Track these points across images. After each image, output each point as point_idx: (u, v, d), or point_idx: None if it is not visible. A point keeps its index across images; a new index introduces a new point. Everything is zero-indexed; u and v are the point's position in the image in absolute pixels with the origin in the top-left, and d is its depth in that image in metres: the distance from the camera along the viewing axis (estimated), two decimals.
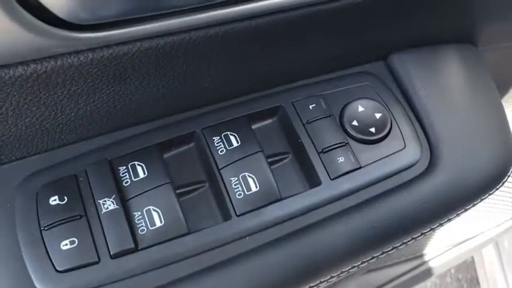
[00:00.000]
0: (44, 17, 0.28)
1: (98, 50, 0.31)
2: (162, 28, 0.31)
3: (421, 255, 1.14)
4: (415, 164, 0.42)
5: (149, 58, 0.33)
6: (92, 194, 0.37)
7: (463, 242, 1.13)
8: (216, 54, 0.36)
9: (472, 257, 1.55)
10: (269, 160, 0.40)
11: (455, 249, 1.15)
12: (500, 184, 0.44)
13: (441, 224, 0.43)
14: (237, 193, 0.38)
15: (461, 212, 0.43)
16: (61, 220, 0.36)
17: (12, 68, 0.30)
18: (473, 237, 1.10)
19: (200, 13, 0.32)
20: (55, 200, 0.37)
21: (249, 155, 0.40)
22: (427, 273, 1.18)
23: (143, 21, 0.31)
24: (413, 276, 1.16)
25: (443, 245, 1.14)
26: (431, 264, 1.16)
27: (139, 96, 0.37)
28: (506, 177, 0.45)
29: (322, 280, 0.41)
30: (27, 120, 0.35)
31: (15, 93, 0.32)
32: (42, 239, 0.36)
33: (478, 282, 1.64)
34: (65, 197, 0.37)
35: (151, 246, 0.36)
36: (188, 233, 0.37)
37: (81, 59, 0.31)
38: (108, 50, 0.31)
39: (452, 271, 1.68)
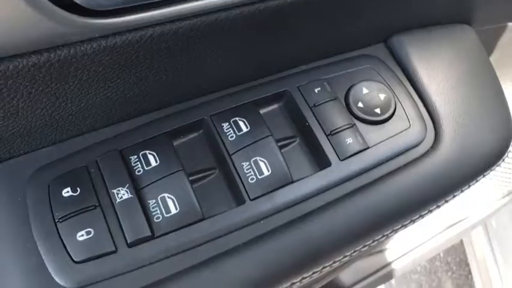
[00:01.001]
0: (59, 2, 0.27)
1: (110, 37, 0.31)
2: (175, 13, 0.31)
3: (412, 241, 1.16)
4: (420, 142, 0.43)
5: (161, 44, 0.33)
6: (105, 184, 0.37)
7: (453, 225, 1.15)
8: (226, 39, 0.36)
9: (461, 240, 1.59)
10: (278, 144, 0.41)
11: (445, 233, 1.17)
12: (501, 160, 0.46)
13: (446, 201, 0.44)
14: (250, 177, 0.39)
15: (466, 188, 0.44)
16: (75, 211, 0.36)
17: (26, 57, 0.30)
18: (463, 220, 1.13)
19: None
20: (68, 191, 0.36)
21: (259, 139, 0.40)
22: (418, 258, 1.20)
23: (156, 7, 0.31)
24: (405, 261, 1.18)
25: (433, 229, 1.16)
26: (422, 249, 1.18)
27: (149, 85, 0.37)
28: (507, 153, 0.46)
29: (335, 260, 0.41)
30: (37, 111, 0.34)
31: (27, 84, 0.31)
32: (57, 231, 0.35)
33: (466, 264, 1.68)
34: (78, 189, 0.37)
35: (168, 233, 0.37)
36: (203, 219, 0.37)
37: (93, 46, 0.31)
38: (121, 36, 0.31)
39: (441, 255, 1.72)
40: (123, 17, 0.30)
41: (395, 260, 1.14)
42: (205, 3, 0.32)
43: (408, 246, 1.10)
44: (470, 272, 1.65)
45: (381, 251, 1.10)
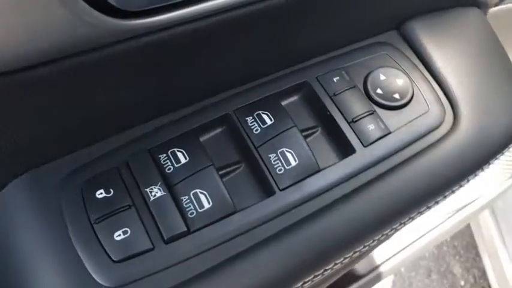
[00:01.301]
0: (93, 3, 0.28)
1: (142, 37, 0.32)
2: (204, 10, 0.32)
3: (421, 228, 1.17)
4: (440, 124, 0.43)
5: (190, 41, 0.34)
6: (137, 183, 0.38)
7: (461, 209, 1.16)
8: (252, 33, 0.36)
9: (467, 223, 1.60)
10: (302, 134, 0.41)
11: (454, 218, 1.18)
12: None
13: (468, 180, 0.45)
14: (278, 168, 0.39)
15: (486, 167, 0.45)
16: (110, 212, 0.36)
17: (58, 62, 0.30)
18: (470, 203, 1.14)
19: None
20: (101, 193, 0.37)
21: (284, 130, 0.41)
22: (427, 244, 1.21)
23: (186, 5, 0.31)
24: (415, 248, 1.19)
25: (441, 215, 1.17)
26: (431, 235, 1.19)
27: (176, 83, 0.37)
28: None
29: (365, 244, 0.42)
30: (67, 117, 0.35)
31: (60, 89, 0.32)
32: (95, 232, 0.36)
33: (473, 247, 1.69)
34: (111, 190, 0.37)
35: (203, 227, 0.37)
36: (235, 212, 0.38)
37: (124, 47, 0.31)
38: (152, 36, 0.32)
39: (448, 239, 1.73)
40: (155, 16, 0.30)
41: (405, 247, 1.15)
42: None
43: (417, 233, 1.11)
44: (477, 255, 1.67)
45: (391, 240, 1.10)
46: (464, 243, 1.73)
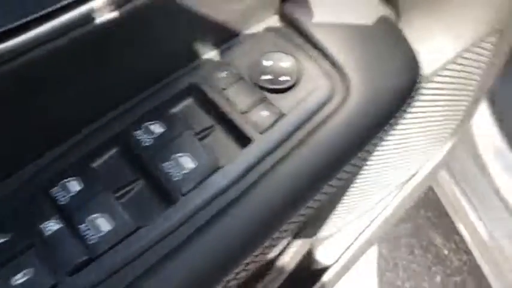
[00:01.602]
0: None
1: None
2: (51, 30, 0.31)
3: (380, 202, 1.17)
4: (332, 97, 0.44)
5: (49, 64, 0.33)
6: (33, 222, 0.36)
7: (413, 176, 1.16)
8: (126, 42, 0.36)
9: (434, 192, 1.61)
10: (199, 136, 0.41)
11: (409, 184, 1.18)
12: (414, 95, 0.47)
13: (374, 144, 0.45)
14: (176, 175, 0.39)
15: (388, 128, 0.46)
16: (9, 257, 0.35)
17: None
18: (423, 165, 1.14)
19: None
20: None
21: (177, 136, 0.40)
22: (392, 216, 1.20)
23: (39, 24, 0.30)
24: (380, 222, 1.18)
25: (395, 184, 1.17)
26: (391, 206, 1.18)
27: (50, 112, 0.37)
28: (416, 89, 0.48)
29: (285, 229, 0.42)
30: None
31: None
32: None
33: (446, 215, 1.71)
34: (7, 234, 0.36)
35: (106, 251, 0.36)
36: (138, 228, 0.37)
37: None
38: (17, 60, 0.31)
39: (422, 212, 1.75)
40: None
41: (369, 225, 1.14)
42: None
43: (378, 208, 1.10)
44: (453, 222, 1.68)
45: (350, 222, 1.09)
46: (437, 214, 1.75)
